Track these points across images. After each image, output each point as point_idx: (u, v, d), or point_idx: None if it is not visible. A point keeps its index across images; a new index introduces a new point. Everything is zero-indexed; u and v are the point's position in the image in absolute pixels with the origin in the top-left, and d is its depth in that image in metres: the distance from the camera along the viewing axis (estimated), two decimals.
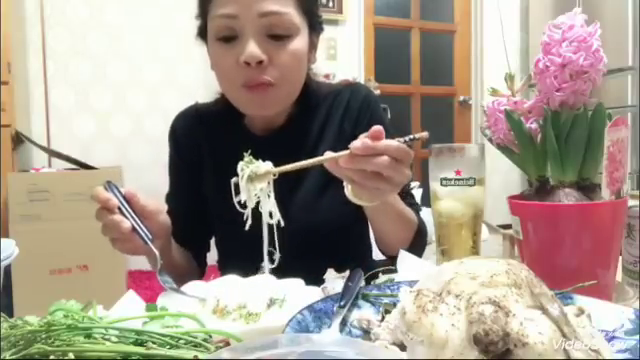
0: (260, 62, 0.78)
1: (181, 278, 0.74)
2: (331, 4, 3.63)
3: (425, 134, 0.68)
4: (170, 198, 0.98)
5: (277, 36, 0.80)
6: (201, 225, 0.96)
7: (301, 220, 0.79)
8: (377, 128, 0.62)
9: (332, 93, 0.95)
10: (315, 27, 0.88)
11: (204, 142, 0.95)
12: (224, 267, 0.97)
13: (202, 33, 0.88)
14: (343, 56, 3.69)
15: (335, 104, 0.94)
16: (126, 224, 0.68)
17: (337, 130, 0.92)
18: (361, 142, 0.62)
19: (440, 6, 4.21)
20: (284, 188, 0.83)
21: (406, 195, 0.92)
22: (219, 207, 0.94)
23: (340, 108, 0.94)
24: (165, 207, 0.85)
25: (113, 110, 3.10)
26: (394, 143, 0.63)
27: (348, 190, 0.71)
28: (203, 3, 0.85)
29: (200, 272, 0.96)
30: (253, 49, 0.77)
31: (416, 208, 0.92)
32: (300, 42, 0.82)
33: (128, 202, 0.71)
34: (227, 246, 0.97)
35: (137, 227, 0.69)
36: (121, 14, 3.09)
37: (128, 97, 3.13)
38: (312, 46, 0.89)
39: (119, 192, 0.72)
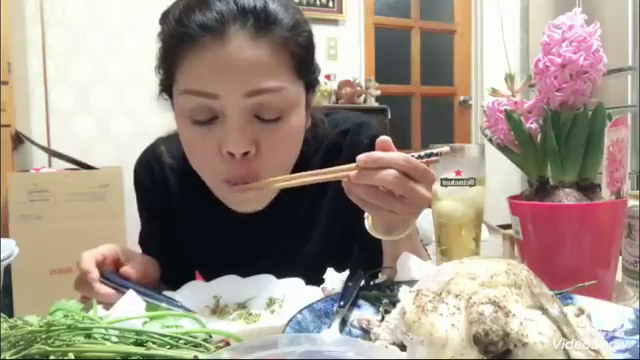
0: (246, 153, 0.63)
1: None
2: (331, 4, 3.63)
3: (446, 149, 0.59)
4: (147, 245, 0.86)
5: (267, 117, 0.64)
6: (182, 266, 0.85)
7: (301, 275, 0.69)
8: (384, 138, 0.57)
9: (331, 138, 0.80)
10: (312, 86, 0.73)
11: (175, 202, 0.82)
12: None
13: (166, 89, 0.69)
14: (343, 56, 3.69)
15: (335, 150, 0.79)
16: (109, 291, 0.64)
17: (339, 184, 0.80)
18: (365, 154, 0.56)
19: (440, 6, 4.21)
20: (290, 244, 0.79)
21: None
22: (200, 266, 0.87)
23: (342, 154, 0.79)
24: (152, 260, 0.75)
25: (113, 110, 3.10)
26: (402, 155, 0.56)
27: (368, 222, 0.65)
28: (166, 60, 0.66)
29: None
30: (237, 139, 0.62)
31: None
32: (295, 118, 0.67)
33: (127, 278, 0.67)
34: None
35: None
36: (121, 14, 3.09)
37: (128, 97, 3.13)
38: (308, 107, 0.72)
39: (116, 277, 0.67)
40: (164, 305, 0.58)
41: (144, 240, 0.86)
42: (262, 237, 0.77)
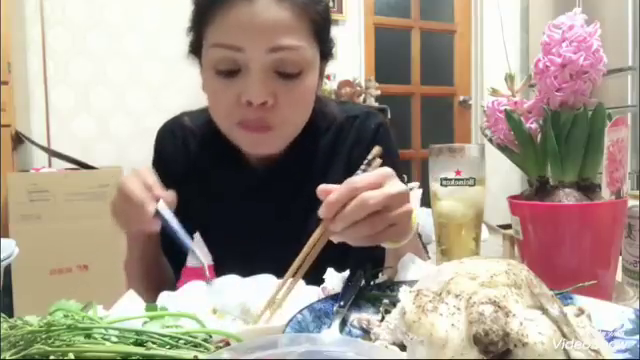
0: (264, 103, 0.70)
1: (161, 284, 0.76)
2: (331, 4, 3.63)
3: (377, 148, 0.61)
4: None
5: (286, 72, 0.71)
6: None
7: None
8: (321, 189, 0.55)
9: (337, 123, 0.86)
10: (327, 55, 0.81)
11: (192, 167, 0.87)
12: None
13: (195, 50, 0.77)
14: (343, 56, 3.69)
15: (342, 135, 0.86)
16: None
17: (345, 161, 0.84)
18: (325, 203, 0.53)
19: (440, 6, 4.21)
20: (295, 217, 0.79)
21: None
22: (204, 234, 0.90)
23: (349, 140, 0.85)
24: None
25: (113, 110, 3.10)
26: (349, 181, 0.55)
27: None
28: (198, 20, 0.74)
29: (175, 280, 0.90)
30: (258, 89, 0.68)
31: (424, 245, 0.84)
32: (311, 78, 0.74)
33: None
34: (220, 264, 0.92)
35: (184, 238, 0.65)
36: (121, 14, 3.09)
37: (128, 97, 3.13)
38: (321, 75, 0.81)
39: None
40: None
41: None
42: (270, 204, 0.81)
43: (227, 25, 0.68)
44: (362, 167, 0.60)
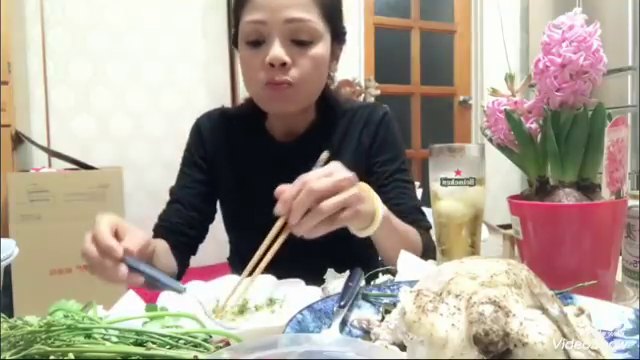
0: (283, 64, 0.84)
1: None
2: None
3: (325, 154, 0.76)
4: (177, 189, 1.00)
5: (301, 42, 0.85)
6: (201, 222, 0.98)
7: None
8: (277, 190, 0.64)
9: (352, 110, 1.01)
10: (338, 37, 0.94)
11: (226, 143, 1.00)
12: (235, 264, 1.03)
13: (235, 40, 0.95)
14: (343, 56, 3.66)
15: (355, 120, 1.00)
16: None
17: (356, 143, 0.98)
18: (279, 200, 0.63)
19: (440, 6, 4.20)
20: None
21: (414, 210, 0.95)
22: (235, 206, 1.01)
23: (359, 124, 1.00)
24: (144, 232, 0.72)
25: (113, 110, 3.10)
26: (305, 174, 0.64)
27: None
28: (236, 12, 0.92)
29: (180, 270, 0.93)
30: (277, 52, 0.83)
31: (425, 225, 0.92)
32: (321, 48, 0.88)
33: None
34: (240, 245, 1.03)
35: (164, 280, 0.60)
36: (121, 14, 3.08)
37: (128, 97, 3.12)
38: (334, 56, 0.95)
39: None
40: (177, 288, 0.57)
41: (177, 185, 1.00)
42: (290, 174, 0.93)
43: (255, 6, 0.85)
44: (314, 168, 0.68)
